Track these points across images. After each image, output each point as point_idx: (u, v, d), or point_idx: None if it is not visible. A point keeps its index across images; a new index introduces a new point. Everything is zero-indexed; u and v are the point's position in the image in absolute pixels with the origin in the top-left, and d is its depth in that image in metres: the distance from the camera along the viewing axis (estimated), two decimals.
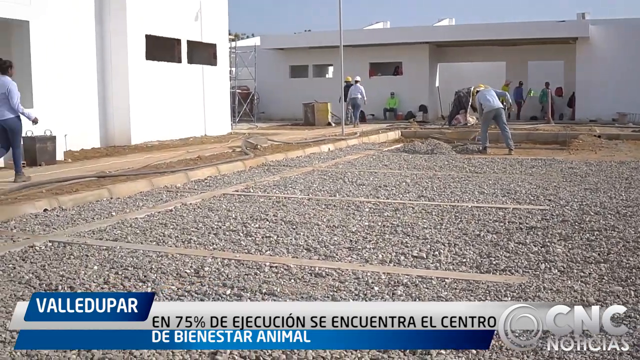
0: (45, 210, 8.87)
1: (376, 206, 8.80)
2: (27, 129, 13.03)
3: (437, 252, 6.22)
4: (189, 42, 20.11)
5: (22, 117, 10.80)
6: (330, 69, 34.09)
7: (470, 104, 25.36)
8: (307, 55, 32.47)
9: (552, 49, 31.13)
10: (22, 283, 5.49)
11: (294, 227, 7.52)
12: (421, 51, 31.28)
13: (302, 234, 7.13)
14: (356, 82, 27.69)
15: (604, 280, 5.33)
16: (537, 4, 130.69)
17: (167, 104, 18.89)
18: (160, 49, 18.94)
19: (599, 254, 6.13)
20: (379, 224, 7.61)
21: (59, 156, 14.07)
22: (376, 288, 5.13)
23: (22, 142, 11.24)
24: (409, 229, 7.30)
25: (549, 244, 6.55)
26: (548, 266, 5.71)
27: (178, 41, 19.67)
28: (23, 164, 11.28)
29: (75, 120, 16.11)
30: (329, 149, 17.05)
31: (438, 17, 41.07)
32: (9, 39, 13.95)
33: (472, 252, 6.22)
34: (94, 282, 5.44)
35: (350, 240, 6.80)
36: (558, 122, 28.42)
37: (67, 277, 5.62)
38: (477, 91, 17.74)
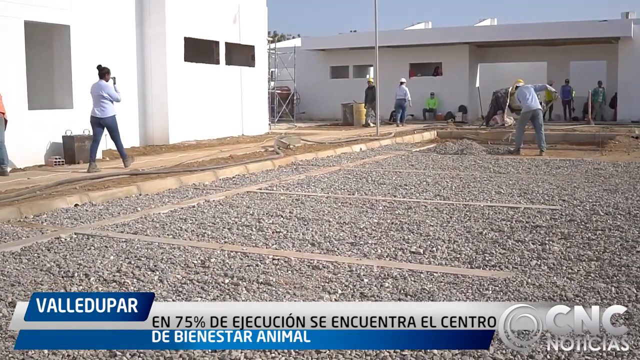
0: (76, 205, 9.34)
1: (390, 204, 9.07)
2: (67, 128, 13.65)
3: (434, 248, 6.48)
4: (227, 44, 20.57)
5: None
6: (371, 69, 34.30)
7: (507, 104, 25.42)
8: (347, 56, 32.75)
9: (594, 49, 30.87)
10: (43, 270, 5.92)
11: (306, 223, 7.84)
12: (461, 52, 31.32)
13: (311, 229, 7.45)
14: (401, 83, 28.22)
15: (589, 277, 5.52)
16: (580, 3, 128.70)
17: (205, 105, 19.37)
18: (199, 50, 19.44)
19: (594, 252, 6.31)
20: (388, 221, 7.88)
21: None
22: (366, 280, 5.42)
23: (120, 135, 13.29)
24: (415, 226, 7.56)
25: (547, 242, 6.74)
26: (539, 263, 5.92)
27: (216, 43, 20.13)
28: (94, 160, 12.97)
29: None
30: (360, 149, 17.33)
31: (480, 17, 40.96)
32: (51, 42, 14.56)
33: (469, 249, 6.46)
34: (107, 270, 5.83)
35: (355, 236, 7.09)
36: (598, 123, 28.19)
37: (84, 266, 6.02)
38: (517, 87, 17.74)
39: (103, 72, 12.73)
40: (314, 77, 32.98)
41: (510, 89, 24.89)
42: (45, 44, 14.49)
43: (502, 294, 5.04)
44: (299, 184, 11.22)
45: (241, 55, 21.42)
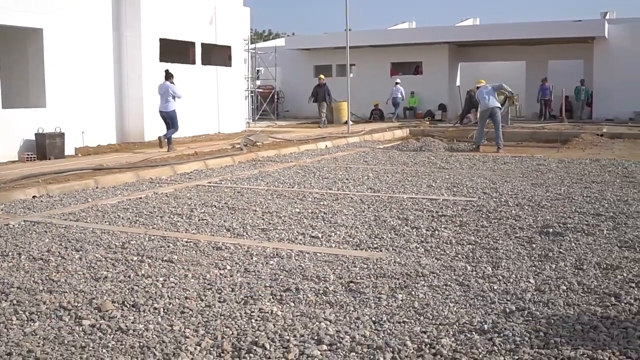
0: (34, 197, 10.11)
1: (321, 196, 9.83)
2: (39, 126, 14.44)
3: (333, 234, 7.24)
4: (204, 45, 21.32)
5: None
6: (353, 68, 35.02)
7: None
8: (331, 55, 33.45)
9: (571, 48, 31.57)
10: None
11: (233, 212, 8.62)
12: (440, 51, 32.03)
13: (235, 218, 8.22)
14: (396, 83, 30.14)
15: (456, 258, 6.26)
16: (565, 3, 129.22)
17: (181, 103, 20.09)
18: (175, 51, 20.18)
19: (476, 238, 7.05)
20: (309, 210, 8.65)
21: (70, 151, 15.38)
22: (255, 259, 6.19)
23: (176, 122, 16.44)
24: (330, 215, 8.32)
25: (441, 229, 7.49)
26: (418, 246, 6.67)
27: (192, 44, 20.89)
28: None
29: (92, 119, 17.56)
30: (326, 146, 18.08)
31: (461, 17, 41.66)
32: (25, 45, 15.33)
33: (363, 234, 7.22)
34: (38, 250, 6.60)
35: (270, 223, 7.86)
36: (572, 121, 28.89)
37: (20, 247, 6.79)
38: (477, 87, 18.48)
39: (169, 76, 16.34)
40: (298, 76, 33.74)
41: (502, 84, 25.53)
42: (20, 46, 15.27)
43: (366, 269, 5.79)
44: (249, 178, 11.97)
45: (218, 55, 22.16)
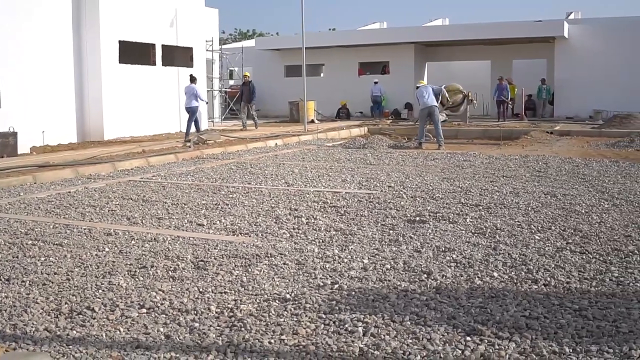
0: None
1: (234, 190, 10.62)
2: None
3: (219, 222, 8.03)
4: (164, 46, 22.10)
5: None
6: (323, 68, 35.85)
7: (440, 101, 26.90)
8: (301, 55, 34.17)
9: (534, 48, 32.44)
10: None
11: (144, 204, 9.40)
12: (407, 51, 32.84)
13: (142, 209, 9.01)
14: (375, 83, 31.40)
15: (312, 242, 7.04)
16: (534, 3, 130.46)
17: (141, 103, 20.93)
18: (135, 53, 20.96)
19: (346, 226, 7.84)
20: (213, 202, 9.44)
21: (25, 149, 16.16)
22: (133, 242, 6.99)
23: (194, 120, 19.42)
24: (229, 206, 9.11)
25: (321, 218, 8.28)
26: (286, 232, 7.46)
27: (153, 46, 21.66)
28: None
29: (53, 118, 18.39)
30: (276, 144, 18.85)
31: (430, 18, 42.47)
32: None
33: (246, 222, 8.02)
34: None
35: (169, 213, 8.65)
36: (532, 119, 29.73)
37: None
38: (417, 87, 19.24)
39: (193, 79, 19.73)
40: (269, 76, 34.51)
41: (443, 88, 26.34)
42: None
43: (224, 251, 6.59)
44: (181, 174, 12.75)
45: (180, 56, 22.91)
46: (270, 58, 34.90)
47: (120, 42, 20.14)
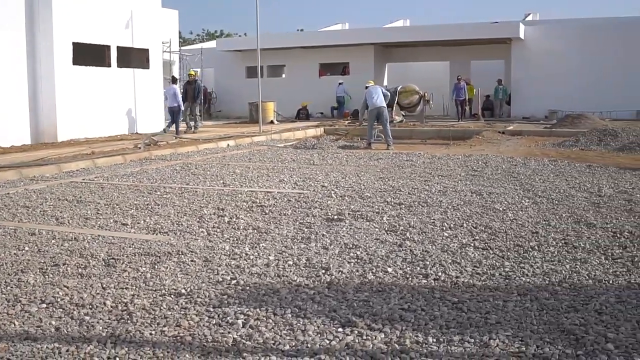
0: None
1: (170, 190, 10.85)
2: None
3: (143, 221, 8.29)
4: (120, 48, 22.24)
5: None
6: (284, 69, 36.13)
7: (396, 102, 27.35)
8: (262, 57, 34.41)
9: (492, 49, 32.96)
10: None
11: (77, 204, 9.61)
12: (367, 52, 33.23)
13: (72, 209, 9.22)
14: (340, 83, 32.12)
15: (222, 239, 7.33)
16: (498, 4, 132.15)
17: (96, 105, 21.06)
18: (89, 54, 21.09)
19: (263, 224, 8.11)
20: (144, 202, 9.68)
21: None
22: (53, 242, 7.22)
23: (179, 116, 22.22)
24: (158, 206, 9.34)
25: (242, 217, 8.55)
26: (206, 231, 7.73)
27: (108, 47, 21.79)
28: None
29: (5, 120, 18.53)
30: (227, 144, 19.08)
31: (390, 19, 42.90)
32: None
33: (169, 222, 8.27)
34: None
35: (98, 213, 8.88)
36: (488, 120, 30.24)
37: None
38: (366, 87, 19.56)
39: (174, 80, 23.65)
40: (231, 77, 34.73)
41: (399, 88, 26.79)
42: None
43: (138, 249, 6.84)
44: (124, 175, 12.95)
45: (136, 58, 23.06)
46: (232, 59, 35.12)
47: (74, 43, 20.26)
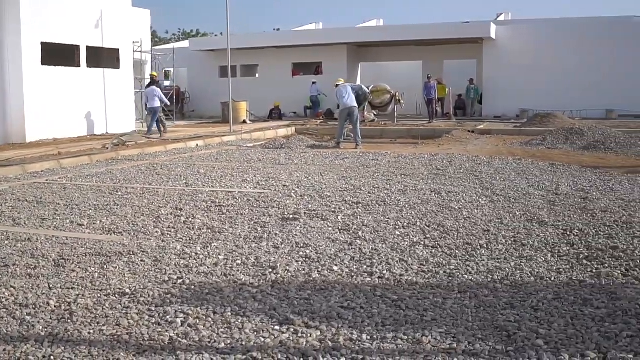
0: None
1: (132, 191, 10.88)
2: None
3: (99, 221, 8.34)
4: (90, 48, 22.19)
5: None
6: (258, 69, 36.18)
7: (368, 101, 27.50)
8: (236, 56, 34.43)
9: (464, 49, 33.20)
10: None
11: (37, 205, 9.62)
12: (339, 51, 33.35)
13: (31, 210, 9.24)
14: (313, 83, 32.29)
15: (176, 240, 7.40)
16: (473, 4, 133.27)
17: (65, 105, 21.01)
18: (58, 54, 21.03)
19: (219, 224, 8.18)
20: (104, 203, 9.71)
21: None
22: (7, 242, 7.25)
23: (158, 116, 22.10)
24: (118, 207, 9.38)
25: (198, 217, 8.62)
26: (160, 231, 7.79)
27: (77, 47, 21.74)
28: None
29: None
30: (197, 144, 19.10)
31: (364, 19, 43.06)
32: None
33: (126, 222, 8.32)
34: None
35: (56, 213, 8.90)
36: (460, 119, 30.47)
37: None
38: (336, 85, 19.61)
39: (154, 81, 23.25)
40: (204, 77, 34.73)
41: (370, 88, 26.92)
42: None
43: (89, 249, 6.89)
44: (89, 176, 12.96)
45: (106, 58, 23.02)
46: (205, 59, 35.11)
47: (42, 43, 20.21)
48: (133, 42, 24.72)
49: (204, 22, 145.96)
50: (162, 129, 21.95)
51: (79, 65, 21.75)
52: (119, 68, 23.38)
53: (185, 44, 38.78)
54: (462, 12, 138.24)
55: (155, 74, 25.53)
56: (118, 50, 23.37)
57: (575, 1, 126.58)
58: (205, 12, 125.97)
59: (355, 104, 18.61)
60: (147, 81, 25.57)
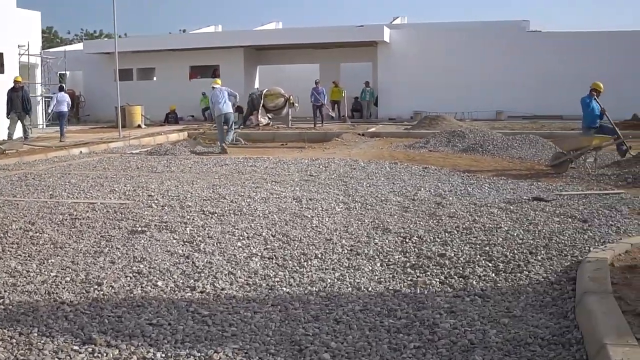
0: None
1: None
2: None
3: None
4: None
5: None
6: (155, 71, 35.91)
7: (262, 104, 27.71)
8: (131, 59, 34.15)
9: (360, 52, 33.81)
10: None
11: None
12: (237, 54, 33.46)
13: None
14: (213, 88, 30.50)
15: (26, 258, 7.42)
16: (370, 7, 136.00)
17: None
18: None
19: (66, 237, 8.23)
20: None
21: None
22: None
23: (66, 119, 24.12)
24: None
25: (47, 231, 8.62)
26: (1, 247, 7.79)
27: None
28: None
29: None
30: (80, 152, 18.88)
31: (262, 22, 43.30)
32: None
33: None
34: None
35: None
36: (355, 121, 31.00)
37: None
38: (213, 87, 19.68)
39: (62, 87, 25.04)
40: (100, 80, 34.25)
41: (264, 91, 27.13)
42: None
43: None
44: None
45: None
46: (100, 62, 34.63)
47: None
48: (19, 46, 24.17)
49: (108, 23, 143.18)
50: (24, 137, 20.75)
51: None
52: (3, 72, 22.87)
53: (79, 46, 38.11)
54: (360, 15, 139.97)
55: (19, 78, 22.71)
56: (2, 54, 22.84)
57: (472, 6, 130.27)
58: (108, 13, 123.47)
59: (231, 110, 18.92)
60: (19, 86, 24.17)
